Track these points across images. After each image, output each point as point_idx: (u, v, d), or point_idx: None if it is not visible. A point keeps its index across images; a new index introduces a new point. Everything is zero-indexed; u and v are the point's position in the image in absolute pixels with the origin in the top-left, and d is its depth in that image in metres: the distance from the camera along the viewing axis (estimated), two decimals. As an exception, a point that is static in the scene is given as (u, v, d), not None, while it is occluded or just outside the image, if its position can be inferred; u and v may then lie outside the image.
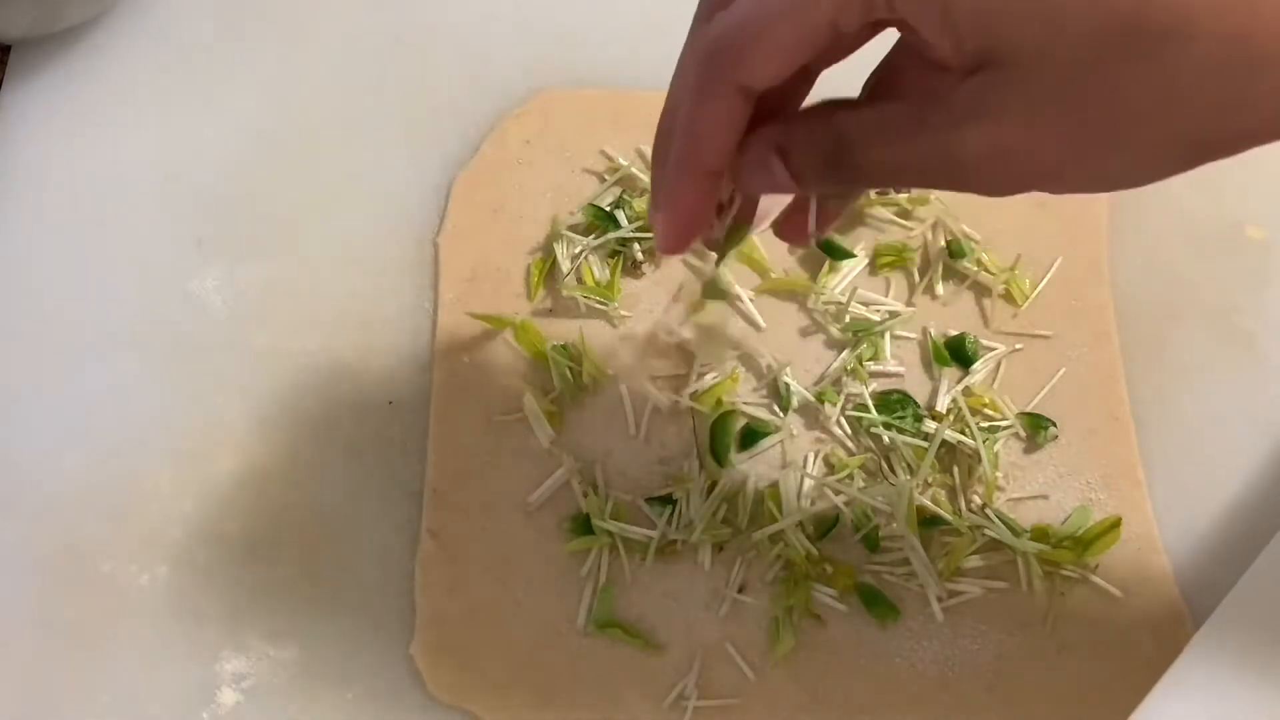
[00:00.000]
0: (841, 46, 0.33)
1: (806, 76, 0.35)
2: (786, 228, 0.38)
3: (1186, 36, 0.26)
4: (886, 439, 0.45)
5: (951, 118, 0.29)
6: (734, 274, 0.48)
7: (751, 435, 0.46)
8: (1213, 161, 0.29)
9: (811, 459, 0.45)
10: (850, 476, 0.45)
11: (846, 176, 0.32)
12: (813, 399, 0.46)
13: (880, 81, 0.35)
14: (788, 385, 0.46)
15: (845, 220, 0.44)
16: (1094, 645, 0.43)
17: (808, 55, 0.31)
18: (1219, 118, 0.28)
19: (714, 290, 0.46)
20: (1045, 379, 0.48)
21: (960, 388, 0.47)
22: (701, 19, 0.33)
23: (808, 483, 0.45)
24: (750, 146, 0.33)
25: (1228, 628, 0.41)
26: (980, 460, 0.45)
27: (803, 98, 0.35)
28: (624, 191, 0.50)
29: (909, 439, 0.45)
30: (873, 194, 0.50)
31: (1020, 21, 0.27)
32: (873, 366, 0.47)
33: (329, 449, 0.45)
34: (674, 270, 0.49)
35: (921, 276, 0.49)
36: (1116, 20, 0.27)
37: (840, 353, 0.47)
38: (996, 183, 0.31)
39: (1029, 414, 0.47)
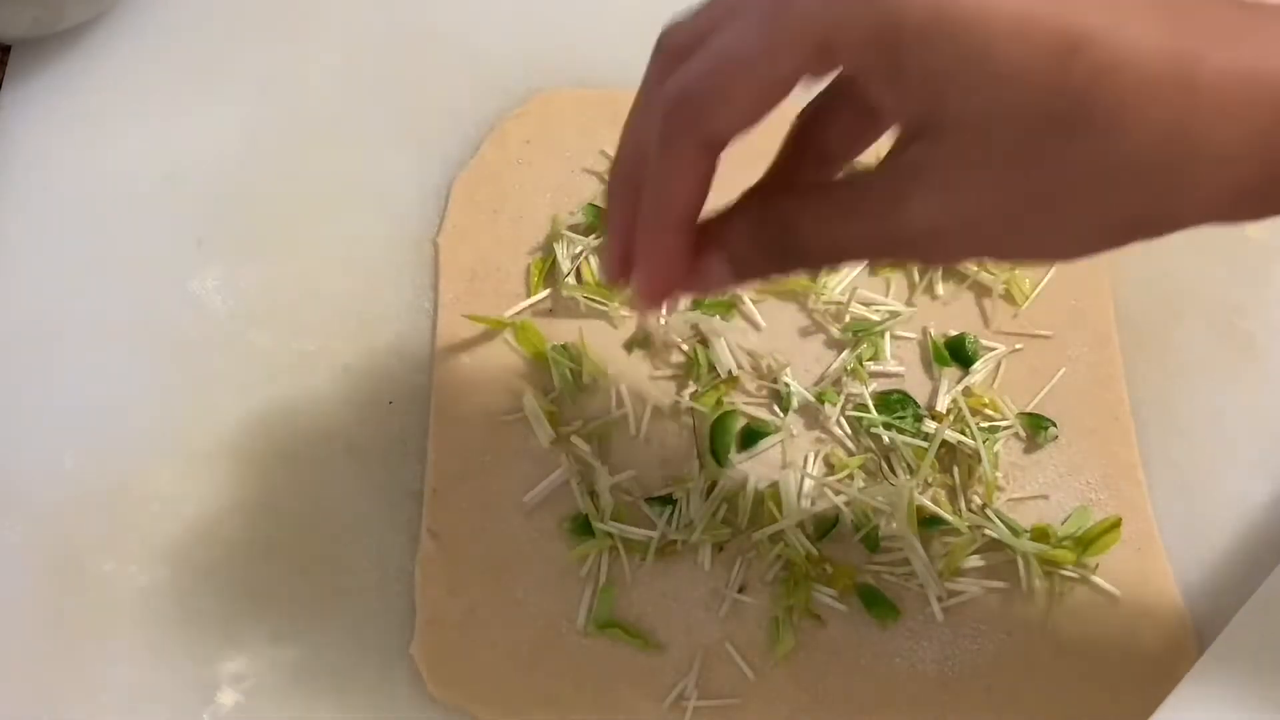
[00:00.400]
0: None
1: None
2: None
3: (1126, 123, 0.27)
4: (886, 439, 0.45)
5: (891, 193, 0.30)
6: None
7: (751, 435, 0.46)
8: (1144, 240, 0.30)
9: (811, 459, 0.45)
10: (850, 476, 0.45)
11: (791, 263, 0.33)
12: (813, 399, 0.46)
13: (802, 135, 0.35)
14: (788, 385, 0.46)
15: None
16: (1094, 645, 0.43)
17: (771, 107, 0.31)
18: (1154, 200, 0.28)
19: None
20: (1045, 379, 0.48)
21: (960, 388, 0.47)
22: (655, 76, 0.33)
23: (808, 483, 0.45)
24: (747, 230, 0.33)
25: (1233, 650, 0.41)
26: (980, 460, 0.45)
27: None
28: (624, 191, 0.50)
29: (909, 439, 0.45)
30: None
31: (967, 90, 0.28)
32: (873, 366, 0.47)
33: (329, 449, 0.45)
34: (674, 270, 0.48)
35: (921, 276, 0.49)
36: (1061, 101, 0.27)
37: (840, 353, 0.47)
38: (940, 254, 0.32)
39: (1029, 414, 0.47)
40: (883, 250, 0.32)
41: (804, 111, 0.35)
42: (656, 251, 0.34)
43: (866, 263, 0.48)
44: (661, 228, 0.33)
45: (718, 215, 0.33)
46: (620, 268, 0.35)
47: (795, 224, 0.32)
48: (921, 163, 0.29)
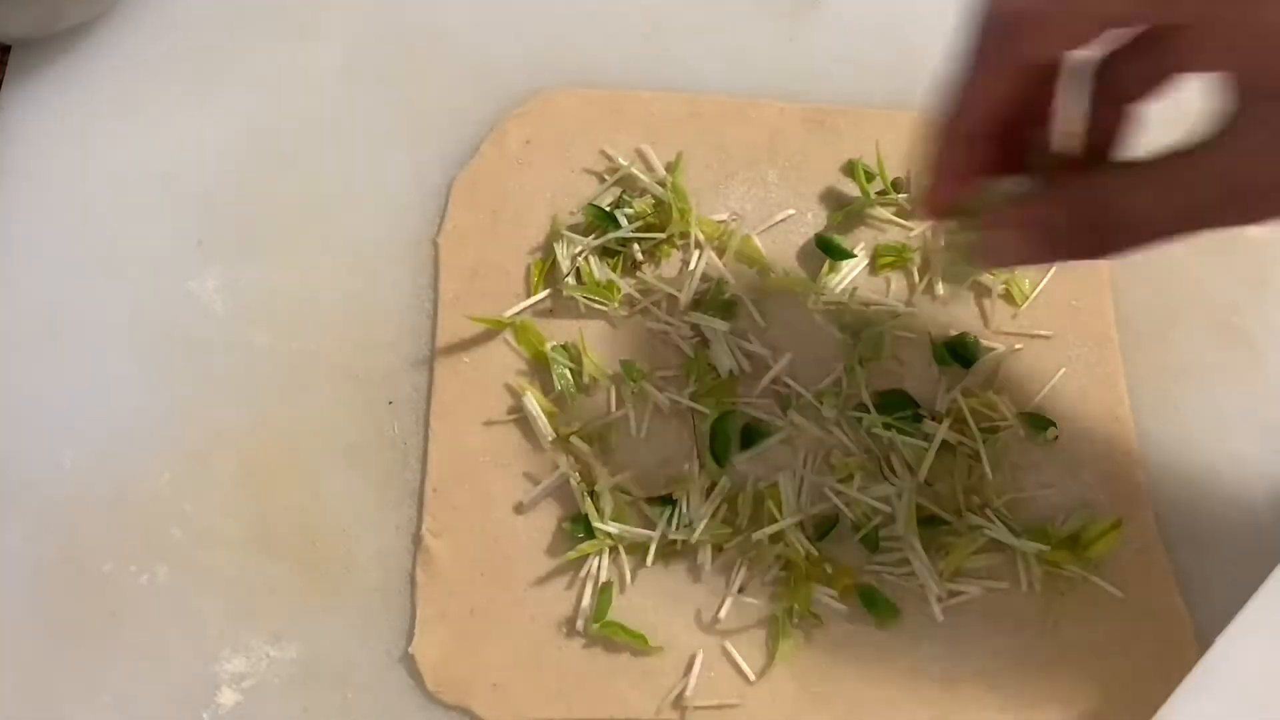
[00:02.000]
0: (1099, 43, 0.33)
1: (1048, 88, 0.35)
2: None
3: None
4: (886, 439, 0.45)
5: (1236, 154, 0.30)
6: (733, 274, 0.48)
7: (751, 435, 0.46)
8: None
9: (811, 459, 0.45)
10: (850, 476, 0.45)
11: (1115, 242, 0.33)
12: (813, 399, 0.46)
13: (1103, 71, 0.35)
14: (788, 385, 0.46)
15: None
16: (1094, 645, 0.43)
17: (1093, 39, 0.31)
18: None
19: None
20: (1045, 379, 0.48)
21: (960, 388, 0.47)
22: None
23: (808, 483, 0.45)
24: (1003, 226, 0.34)
25: (1233, 652, 0.41)
26: (980, 460, 0.45)
27: (1046, 102, 0.35)
28: (624, 191, 0.50)
29: (909, 439, 0.45)
30: (872, 194, 0.50)
31: None
32: (873, 367, 0.47)
33: (329, 449, 0.45)
34: (672, 269, 0.49)
35: (921, 276, 0.49)
36: None
37: (840, 353, 0.47)
38: (1265, 208, 0.31)
39: (1029, 414, 0.47)
40: (1227, 211, 0.32)
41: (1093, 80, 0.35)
42: (949, 160, 0.35)
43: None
44: (958, 134, 0.34)
45: (1036, 196, 0.33)
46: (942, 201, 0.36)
47: (1132, 199, 0.32)
48: (1273, 118, 0.29)
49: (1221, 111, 0.31)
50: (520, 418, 0.46)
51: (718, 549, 0.44)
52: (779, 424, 0.46)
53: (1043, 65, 0.33)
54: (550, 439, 0.45)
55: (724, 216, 0.49)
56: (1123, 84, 0.35)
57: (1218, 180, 0.31)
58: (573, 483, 0.44)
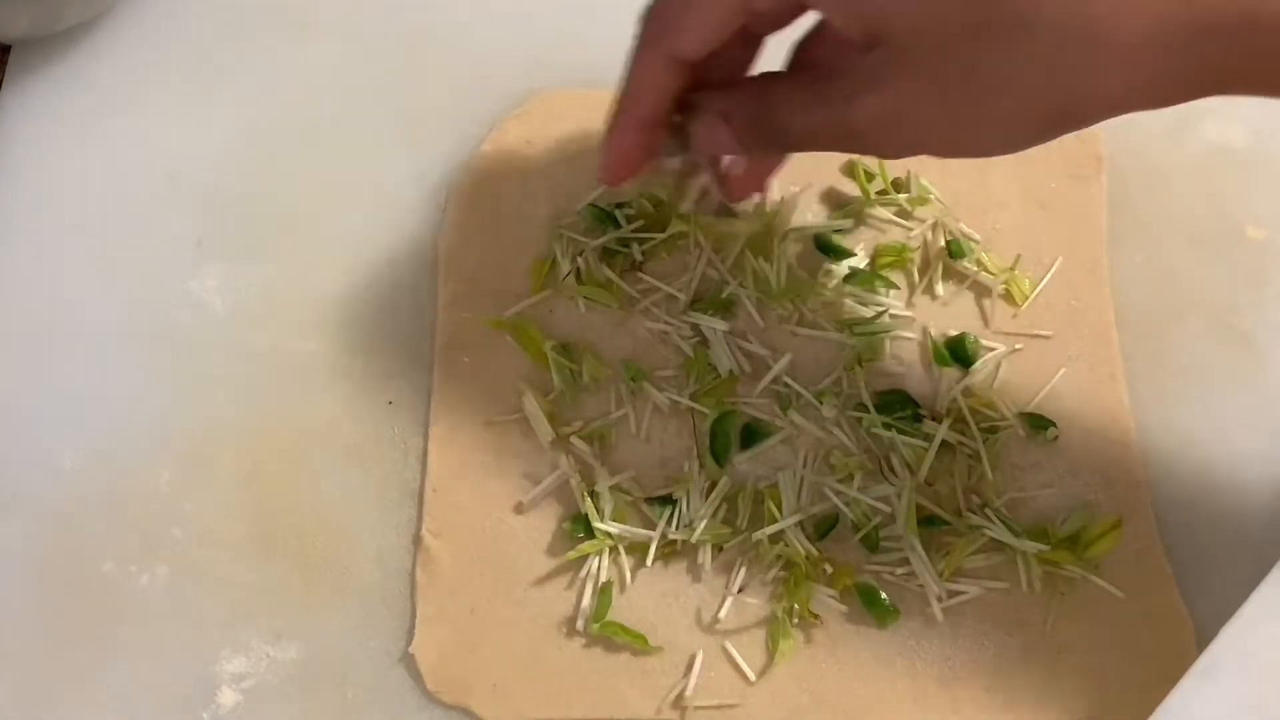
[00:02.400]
0: (772, 22, 0.38)
1: (749, 43, 0.40)
2: (732, 184, 0.44)
3: (1031, 25, 0.31)
4: (886, 439, 0.45)
5: (847, 90, 0.35)
6: (732, 274, 0.48)
7: (751, 435, 0.46)
8: (1075, 130, 0.34)
9: (811, 459, 0.45)
10: (850, 476, 0.45)
11: (772, 141, 0.39)
12: (813, 399, 0.46)
13: (802, 48, 0.40)
14: (788, 385, 0.46)
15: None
16: (1094, 645, 0.43)
17: (728, 32, 0.37)
18: (1067, 94, 0.32)
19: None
20: (1045, 379, 0.48)
21: (960, 388, 0.47)
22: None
23: (808, 483, 0.45)
24: (700, 112, 0.39)
25: (1232, 651, 0.41)
26: (980, 460, 0.45)
27: (749, 61, 0.41)
28: (624, 191, 0.50)
29: (909, 439, 0.45)
30: (872, 194, 0.50)
31: (901, 8, 0.33)
32: (873, 367, 0.47)
33: (329, 449, 0.45)
34: (673, 268, 0.49)
35: (921, 276, 0.49)
36: (974, 11, 0.32)
37: (840, 353, 0.47)
38: (889, 146, 0.37)
39: (1029, 414, 0.47)
40: (841, 140, 0.37)
41: (797, 43, 0.40)
42: (617, 140, 0.40)
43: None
44: (624, 119, 0.39)
45: (722, 92, 0.39)
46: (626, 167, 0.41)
47: (776, 105, 0.37)
48: (872, 67, 0.34)
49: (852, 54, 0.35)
50: (520, 418, 0.46)
51: (718, 549, 0.44)
52: (779, 424, 0.46)
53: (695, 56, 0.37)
54: (550, 439, 0.45)
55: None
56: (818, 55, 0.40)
57: (835, 112, 0.35)
58: (573, 483, 0.44)
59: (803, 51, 0.40)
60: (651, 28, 0.37)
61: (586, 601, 0.43)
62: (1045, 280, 0.49)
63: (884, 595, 0.43)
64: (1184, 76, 0.32)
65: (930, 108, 0.34)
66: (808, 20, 0.39)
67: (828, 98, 0.35)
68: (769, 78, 0.39)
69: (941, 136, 0.35)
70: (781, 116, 0.37)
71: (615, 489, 0.44)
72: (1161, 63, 0.31)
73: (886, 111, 0.34)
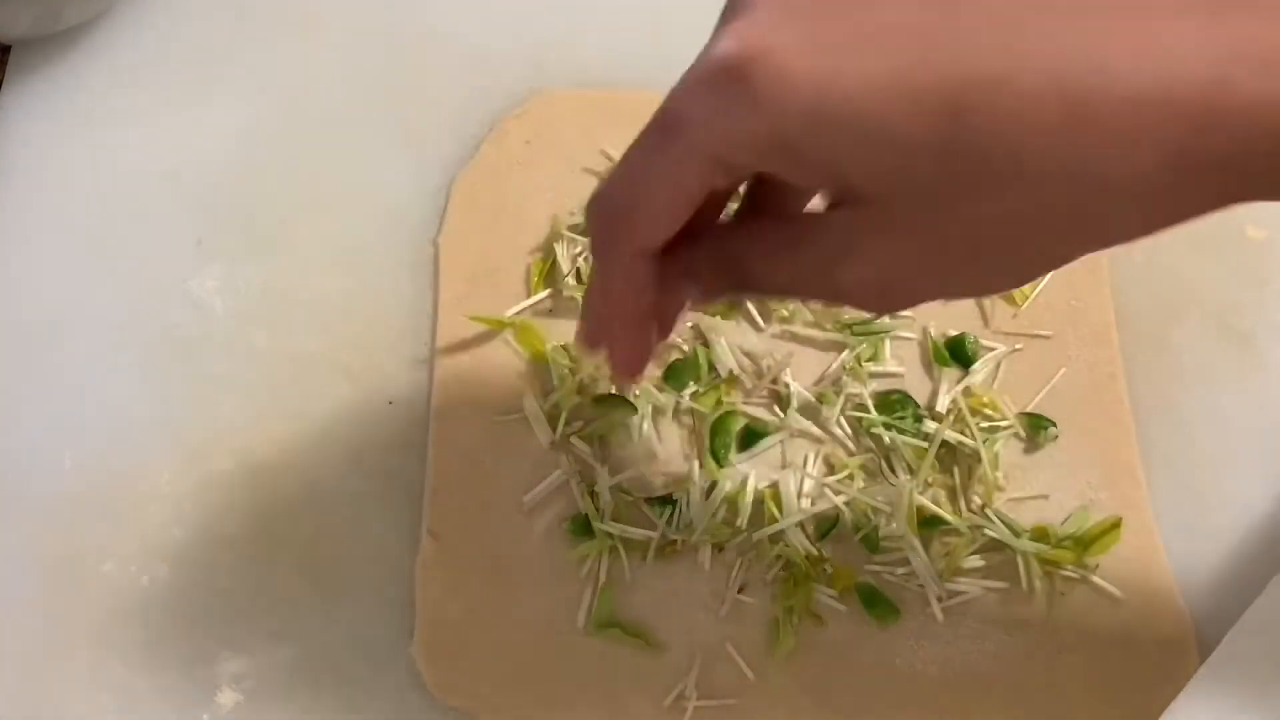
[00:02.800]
0: (730, 188, 0.35)
1: (715, 200, 0.35)
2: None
3: (1027, 173, 0.27)
4: (886, 439, 0.45)
5: (825, 254, 0.31)
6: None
7: (751, 435, 0.46)
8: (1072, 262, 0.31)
9: (811, 459, 0.45)
10: (850, 476, 0.45)
11: (747, 293, 0.37)
12: (812, 399, 0.46)
13: (756, 190, 0.36)
14: (787, 385, 0.46)
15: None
16: (1094, 645, 0.43)
17: (688, 214, 0.32)
18: (1083, 235, 0.29)
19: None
20: (1045, 379, 0.48)
21: (960, 388, 0.47)
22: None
23: (808, 483, 0.45)
24: (665, 275, 0.34)
25: (1235, 658, 0.41)
26: (980, 460, 0.45)
27: (719, 210, 0.36)
28: (624, 191, 0.50)
29: (909, 439, 0.45)
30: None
31: (866, 167, 0.28)
32: (872, 367, 0.47)
33: (329, 448, 0.45)
34: (674, 270, 0.49)
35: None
36: (957, 162, 0.27)
37: (840, 353, 0.47)
38: (880, 306, 0.33)
39: (1029, 414, 0.47)
40: (826, 299, 0.34)
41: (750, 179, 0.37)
42: (626, 351, 0.36)
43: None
44: (618, 327, 0.35)
45: (688, 241, 0.34)
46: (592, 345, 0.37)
47: (747, 261, 0.33)
48: (847, 228, 0.30)
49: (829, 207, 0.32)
50: (520, 418, 0.46)
51: (718, 549, 0.44)
52: (779, 424, 0.46)
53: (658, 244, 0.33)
54: (550, 439, 0.45)
55: None
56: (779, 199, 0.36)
57: (815, 275, 0.32)
58: (572, 483, 0.44)
59: (758, 195, 0.36)
60: (605, 230, 0.33)
61: (586, 601, 0.43)
62: (1045, 280, 0.49)
63: (884, 595, 0.43)
64: (1208, 201, 0.29)
65: (925, 267, 0.30)
66: None
67: (806, 258, 0.32)
68: (736, 228, 0.35)
69: (943, 289, 0.32)
70: (754, 272, 0.33)
71: (615, 489, 0.44)
72: (1181, 195, 0.28)
73: (872, 278, 0.31)
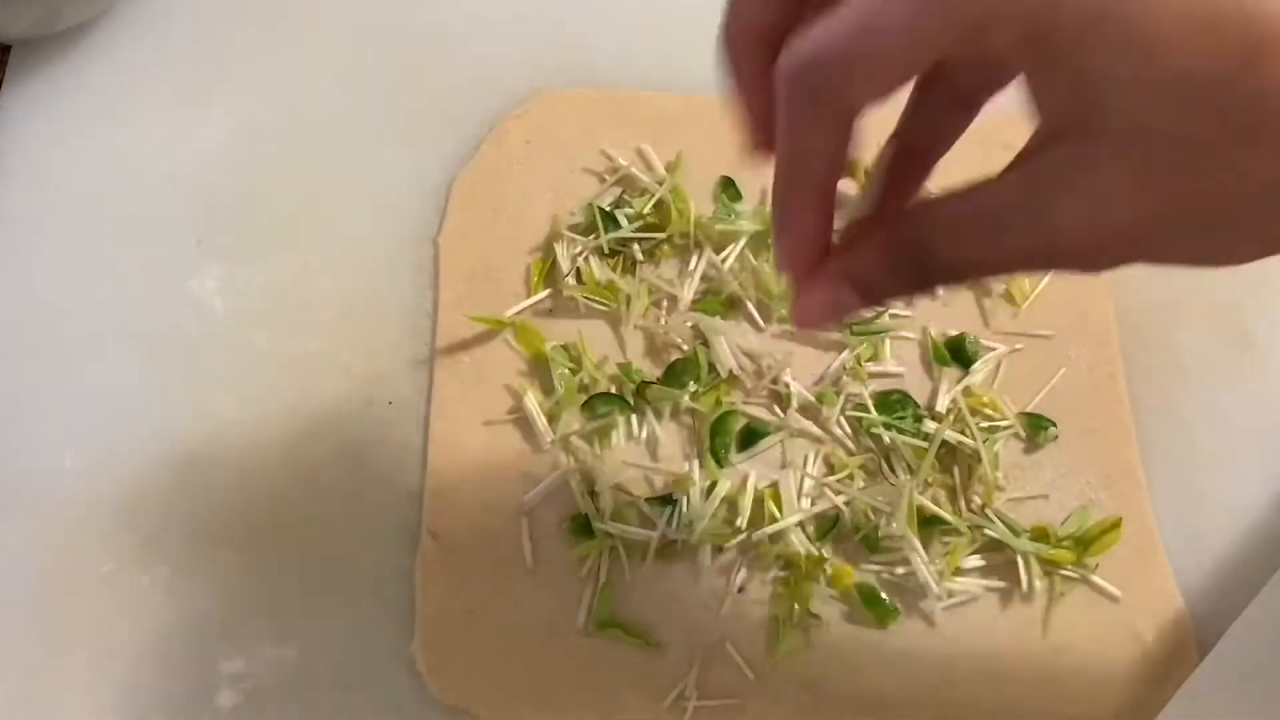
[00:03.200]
0: (970, 74, 0.32)
1: (958, 103, 0.34)
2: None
3: None
4: (886, 439, 0.45)
5: (1039, 201, 0.28)
6: (732, 274, 0.48)
7: (751, 435, 0.46)
8: None
9: (811, 459, 0.45)
10: (850, 476, 0.45)
11: (931, 283, 0.31)
12: (813, 399, 0.46)
13: (910, 128, 0.34)
14: (788, 385, 0.46)
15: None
16: (1094, 645, 0.43)
17: (907, 80, 0.28)
18: None
19: None
20: (1045, 379, 0.48)
21: (960, 388, 0.47)
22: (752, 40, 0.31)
23: (808, 483, 0.45)
24: (816, 289, 0.31)
25: (1234, 655, 0.41)
26: (980, 460, 0.45)
27: (957, 132, 0.34)
28: (624, 191, 0.50)
29: (909, 439, 0.45)
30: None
31: (1131, 93, 0.26)
32: (872, 367, 0.47)
33: (329, 449, 0.45)
34: (671, 269, 0.49)
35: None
36: (1238, 113, 0.25)
37: (840, 353, 0.47)
38: (1096, 262, 0.30)
39: (1029, 414, 0.47)
40: (1033, 263, 0.30)
41: (901, 125, 0.34)
42: (802, 226, 0.32)
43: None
44: (802, 200, 0.31)
45: (842, 245, 0.31)
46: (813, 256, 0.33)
47: (931, 246, 0.30)
48: (1070, 166, 0.27)
49: (1034, 145, 0.29)
50: (520, 418, 0.46)
51: (718, 549, 0.44)
52: (779, 424, 0.46)
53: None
54: (550, 439, 0.45)
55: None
56: (935, 112, 0.34)
57: (1035, 230, 0.29)
58: (573, 483, 0.44)
59: (909, 131, 0.34)
60: (815, 80, 0.29)
61: (586, 601, 0.43)
62: (1045, 280, 0.49)
63: (884, 595, 0.43)
64: None
65: (1158, 217, 0.28)
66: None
67: (1009, 217, 0.28)
68: (893, 215, 0.32)
69: (1165, 249, 0.30)
70: (942, 255, 0.30)
71: (615, 489, 0.44)
72: None
73: (1098, 223, 0.28)
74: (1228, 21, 0.24)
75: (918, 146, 0.35)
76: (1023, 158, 0.28)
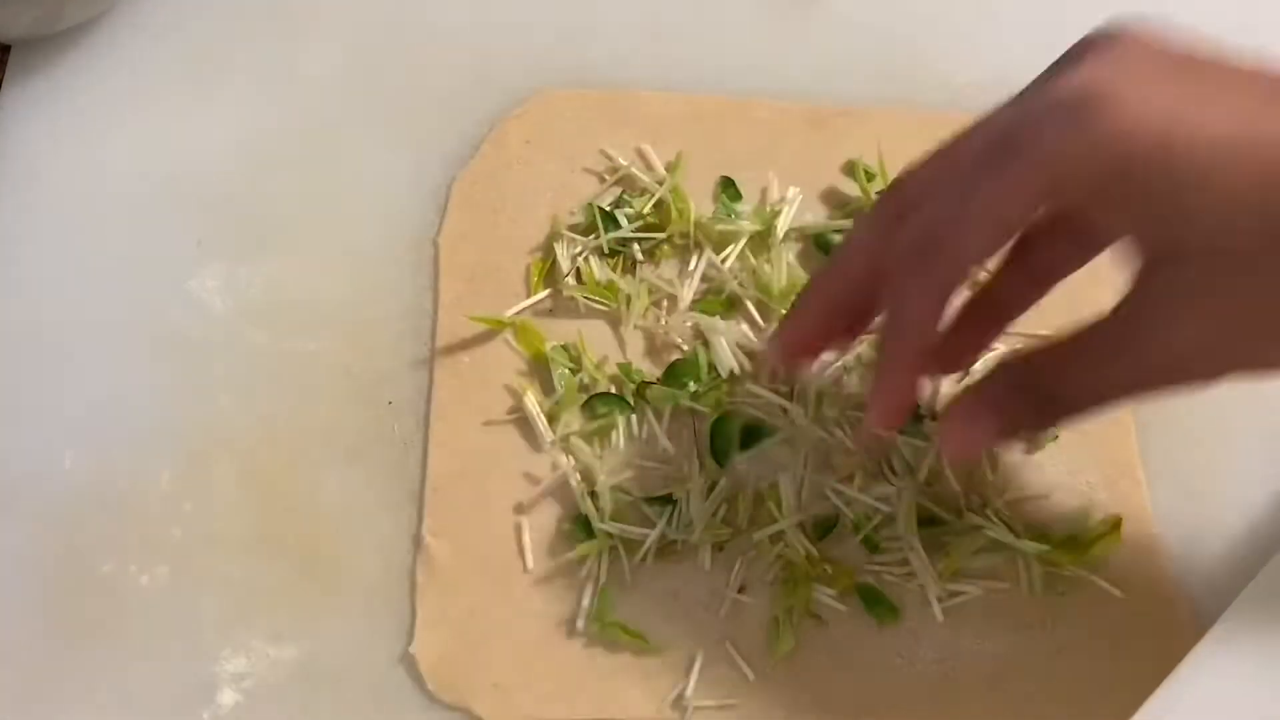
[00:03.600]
0: (1047, 240, 0.37)
1: (1035, 279, 0.39)
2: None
3: None
4: (886, 439, 0.45)
5: (1153, 322, 0.31)
6: (732, 274, 0.48)
7: (752, 435, 0.46)
8: None
9: (811, 459, 0.45)
10: (850, 476, 0.45)
11: (1059, 414, 0.35)
12: (813, 399, 0.46)
13: (1019, 251, 0.38)
14: (788, 385, 0.46)
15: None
16: (1094, 645, 0.43)
17: (1006, 241, 0.33)
18: None
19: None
20: (1045, 379, 0.47)
21: (960, 388, 0.47)
22: (886, 219, 0.35)
23: (808, 483, 0.45)
24: (956, 417, 0.36)
25: (1236, 632, 0.41)
26: (980, 460, 0.45)
27: (1031, 301, 0.40)
28: (624, 191, 0.50)
29: (909, 439, 0.45)
30: (872, 194, 0.50)
31: (1205, 214, 0.29)
32: (873, 367, 0.47)
33: (329, 448, 0.45)
34: (671, 269, 0.49)
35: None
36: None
37: (840, 353, 0.47)
38: (1208, 372, 0.33)
39: (1029, 414, 0.47)
40: (1152, 381, 0.34)
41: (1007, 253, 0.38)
42: (897, 386, 0.36)
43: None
44: (906, 364, 0.35)
45: (977, 384, 0.35)
46: (799, 353, 0.39)
47: (1062, 376, 0.34)
48: (1174, 287, 0.31)
49: (1132, 280, 0.33)
50: (520, 418, 0.46)
51: (718, 549, 0.44)
52: (779, 424, 0.46)
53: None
54: (550, 439, 0.45)
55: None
56: (1040, 266, 0.38)
57: (1141, 354, 0.32)
58: (573, 483, 0.44)
59: (1014, 265, 0.38)
60: (929, 255, 0.33)
61: (586, 601, 0.43)
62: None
63: (884, 595, 0.43)
64: None
65: (1260, 320, 0.31)
66: None
67: (1130, 340, 0.32)
68: (1024, 355, 0.36)
69: (1269, 353, 0.33)
70: (1072, 384, 0.34)
71: (615, 489, 0.44)
72: None
73: (1207, 336, 0.31)
74: (1265, 142, 0.28)
75: (994, 307, 0.40)
76: (1130, 293, 0.32)
